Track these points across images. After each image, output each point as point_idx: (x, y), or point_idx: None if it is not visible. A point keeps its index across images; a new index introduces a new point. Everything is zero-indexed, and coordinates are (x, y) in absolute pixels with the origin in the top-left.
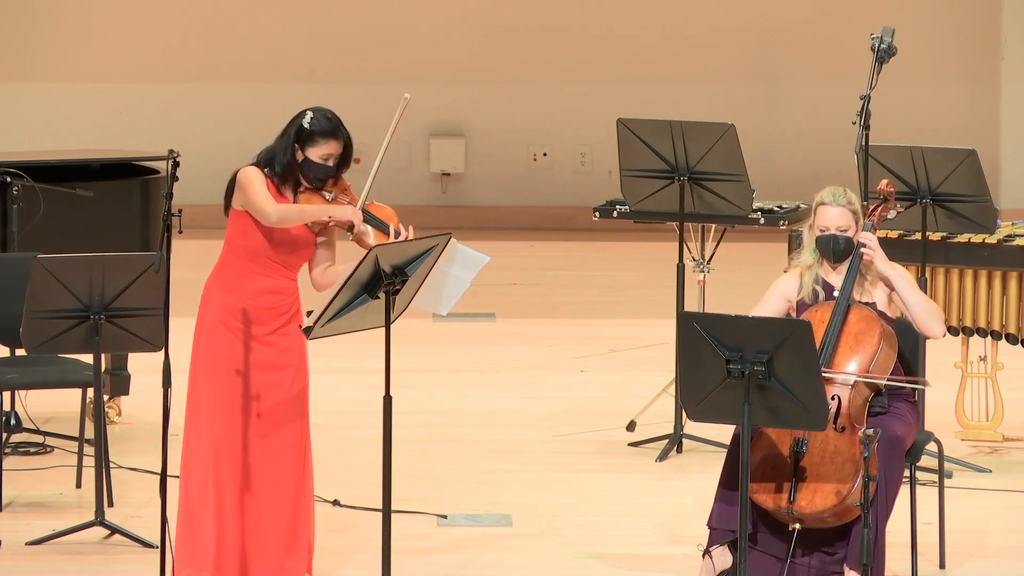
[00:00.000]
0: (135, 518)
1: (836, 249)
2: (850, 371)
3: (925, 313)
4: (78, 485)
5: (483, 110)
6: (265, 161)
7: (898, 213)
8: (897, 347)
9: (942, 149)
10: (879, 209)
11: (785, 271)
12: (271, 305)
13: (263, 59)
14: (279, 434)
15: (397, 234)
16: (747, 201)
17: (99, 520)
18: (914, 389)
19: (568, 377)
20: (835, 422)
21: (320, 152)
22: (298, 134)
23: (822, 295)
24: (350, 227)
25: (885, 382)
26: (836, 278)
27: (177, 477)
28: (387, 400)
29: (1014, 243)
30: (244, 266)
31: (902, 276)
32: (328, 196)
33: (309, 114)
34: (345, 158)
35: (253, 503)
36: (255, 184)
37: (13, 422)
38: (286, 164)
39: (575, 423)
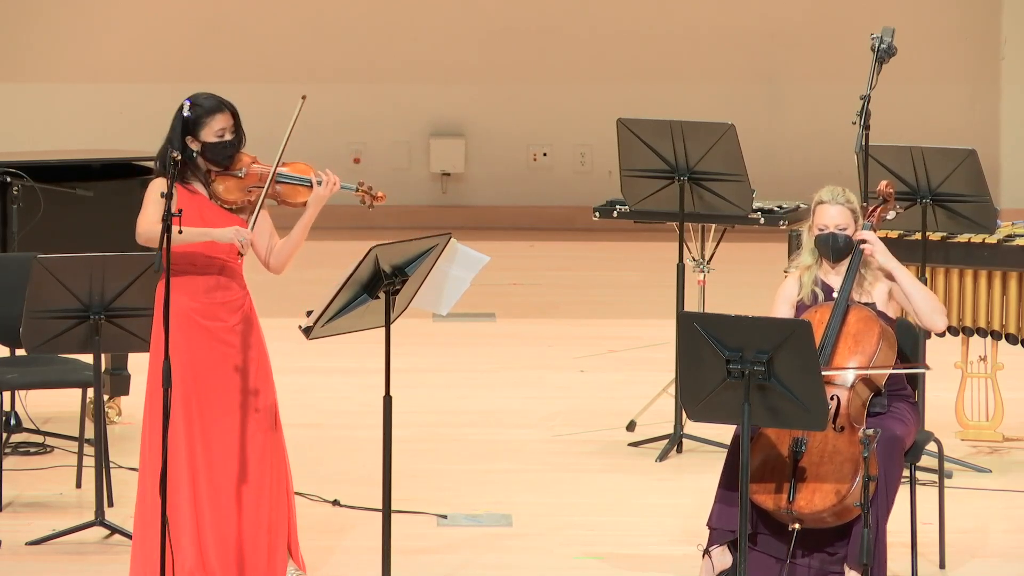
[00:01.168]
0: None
1: (835, 247)
2: (849, 372)
3: (928, 306)
4: (78, 485)
5: (483, 110)
6: (163, 167)
7: (897, 214)
8: (896, 347)
9: (942, 149)
10: (879, 210)
11: (785, 272)
12: (222, 301)
13: (263, 59)
14: (246, 430)
15: (320, 182)
16: (747, 201)
17: (99, 520)
18: (914, 383)
19: (568, 377)
20: (834, 422)
21: (213, 130)
22: (184, 127)
23: (821, 296)
24: (239, 252)
25: (883, 371)
26: (835, 279)
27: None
28: (387, 400)
29: (1014, 243)
30: (183, 269)
31: (903, 270)
32: (240, 174)
33: (187, 103)
34: (238, 128)
35: (229, 498)
36: (146, 200)
37: (13, 422)
38: (187, 160)
39: (575, 423)
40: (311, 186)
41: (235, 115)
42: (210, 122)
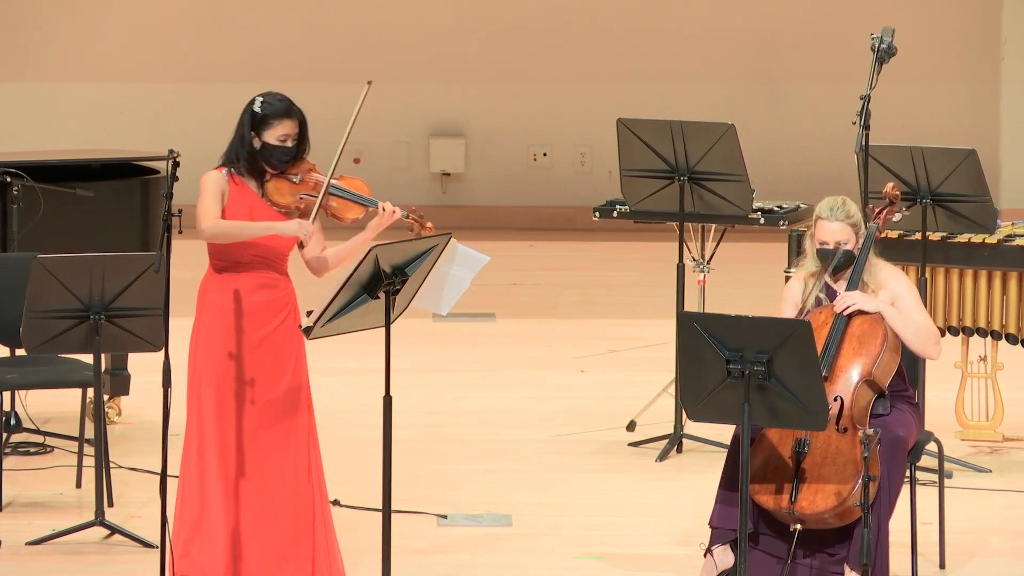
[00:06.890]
0: (135, 518)
1: (836, 263)
2: (853, 374)
3: (919, 341)
4: (78, 485)
5: (483, 110)
6: (227, 159)
7: (903, 216)
8: (901, 351)
9: (942, 149)
10: (884, 212)
11: (786, 271)
12: (266, 300)
13: (263, 59)
14: (280, 435)
15: (375, 203)
16: (747, 201)
17: (99, 520)
18: (915, 383)
19: (568, 377)
20: (837, 423)
21: (276, 134)
22: (252, 121)
23: (826, 302)
24: (300, 243)
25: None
26: (840, 283)
27: (177, 478)
28: (387, 400)
29: (1014, 243)
30: (230, 266)
31: (891, 311)
32: (295, 179)
33: (259, 99)
34: (302, 137)
35: (259, 504)
36: (204, 193)
37: (13, 422)
38: (247, 155)
39: (575, 423)
40: (363, 204)
41: (302, 124)
42: (276, 125)
